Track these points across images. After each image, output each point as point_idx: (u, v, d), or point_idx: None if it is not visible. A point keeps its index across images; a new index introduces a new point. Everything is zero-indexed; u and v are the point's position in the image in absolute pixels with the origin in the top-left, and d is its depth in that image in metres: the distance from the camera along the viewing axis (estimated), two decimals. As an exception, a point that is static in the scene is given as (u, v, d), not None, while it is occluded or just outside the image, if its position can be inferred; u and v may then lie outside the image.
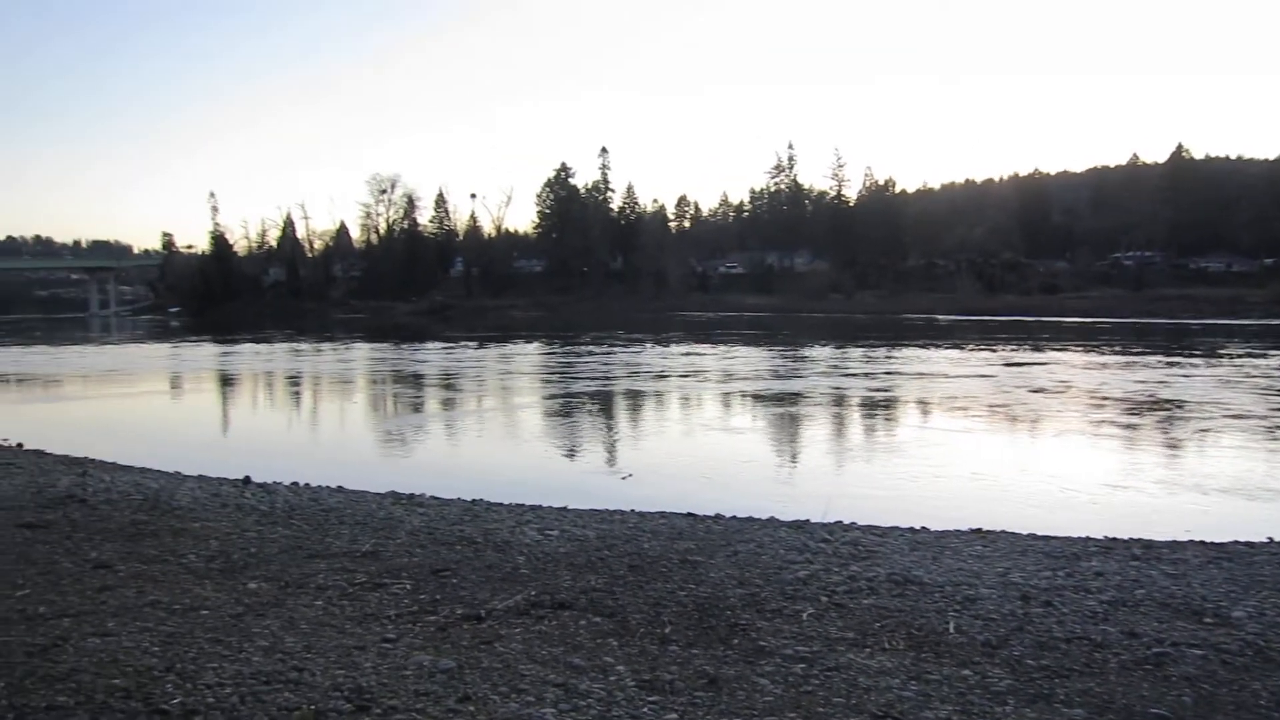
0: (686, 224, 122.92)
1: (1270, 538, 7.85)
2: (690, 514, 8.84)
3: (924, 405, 19.96)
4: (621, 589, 5.86)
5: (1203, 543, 7.59)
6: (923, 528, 8.23)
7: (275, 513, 8.38)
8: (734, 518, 8.73)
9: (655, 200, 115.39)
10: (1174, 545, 7.44)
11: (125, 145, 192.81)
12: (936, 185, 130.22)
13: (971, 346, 38.13)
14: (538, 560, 6.61)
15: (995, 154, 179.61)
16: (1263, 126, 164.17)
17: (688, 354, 36.30)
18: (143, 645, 4.62)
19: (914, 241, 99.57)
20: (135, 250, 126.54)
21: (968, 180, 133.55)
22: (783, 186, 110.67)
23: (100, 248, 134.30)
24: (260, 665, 4.39)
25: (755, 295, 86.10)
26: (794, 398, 20.69)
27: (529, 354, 37.73)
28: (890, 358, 32.24)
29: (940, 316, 64.52)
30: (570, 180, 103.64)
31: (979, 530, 8.08)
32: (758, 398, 21.15)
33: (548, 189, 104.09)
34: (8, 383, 28.76)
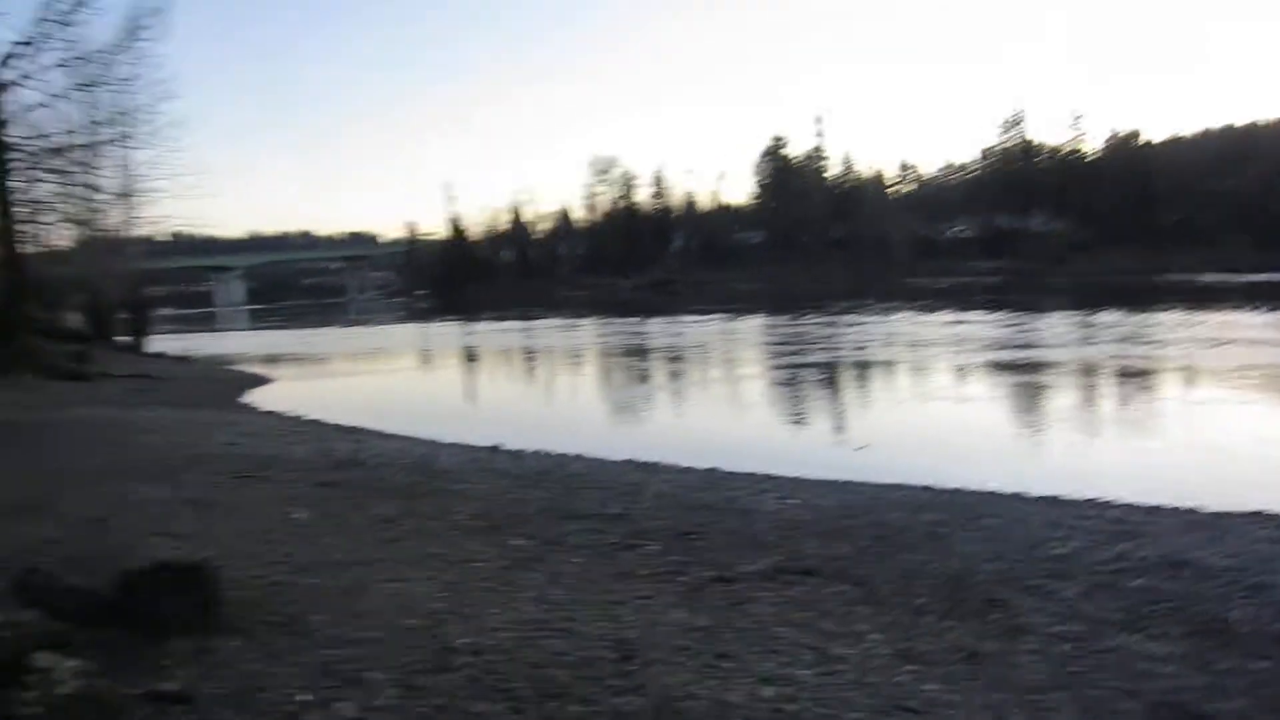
0: (907, 188, 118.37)
1: None
2: (928, 487, 8.62)
3: (1190, 375, 18.28)
4: (868, 558, 5.83)
5: None
6: (1192, 508, 7.60)
7: (526, 477, 8.93)
8: (975, 491, 8.43)
9: (873, 166, 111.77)
10: None
11: (372, 143, 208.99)
12: (1188, 133, 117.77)
13: (1242, 309, 34.41)
14: (780, 527, 6.69)
15: (1258, 96, 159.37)
16: None
17: (914, 322, 35.06)
18: (429, 591, 5.09)
19: (1167, 195, 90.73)
20: (383, 239, 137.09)
21: (1226, 126, 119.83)
22: (1012, 144, 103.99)
23: (355, 239, 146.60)
24: (531, 613, 4.73)
25: (986, 259, 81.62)
26: (1039, 366, 19.55)
27: (752, 325, 37.76)
28: (1147, 323, 29.72)
29: (1203, 277, 58.56)
30: (785, 151, 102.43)
31: (1259, 514, 7.36)
32: (998, 366, 20.15)
33: (763, 161, 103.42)
34: (288, 362, 32.12)
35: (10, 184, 23.24)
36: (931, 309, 41.44)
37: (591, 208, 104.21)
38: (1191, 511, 7.38)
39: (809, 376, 19.77)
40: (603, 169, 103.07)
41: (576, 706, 3.50)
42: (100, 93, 26.35)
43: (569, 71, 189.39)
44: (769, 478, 9.19)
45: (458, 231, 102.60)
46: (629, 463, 10.22)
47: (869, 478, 9.21)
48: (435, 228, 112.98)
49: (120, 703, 3.04)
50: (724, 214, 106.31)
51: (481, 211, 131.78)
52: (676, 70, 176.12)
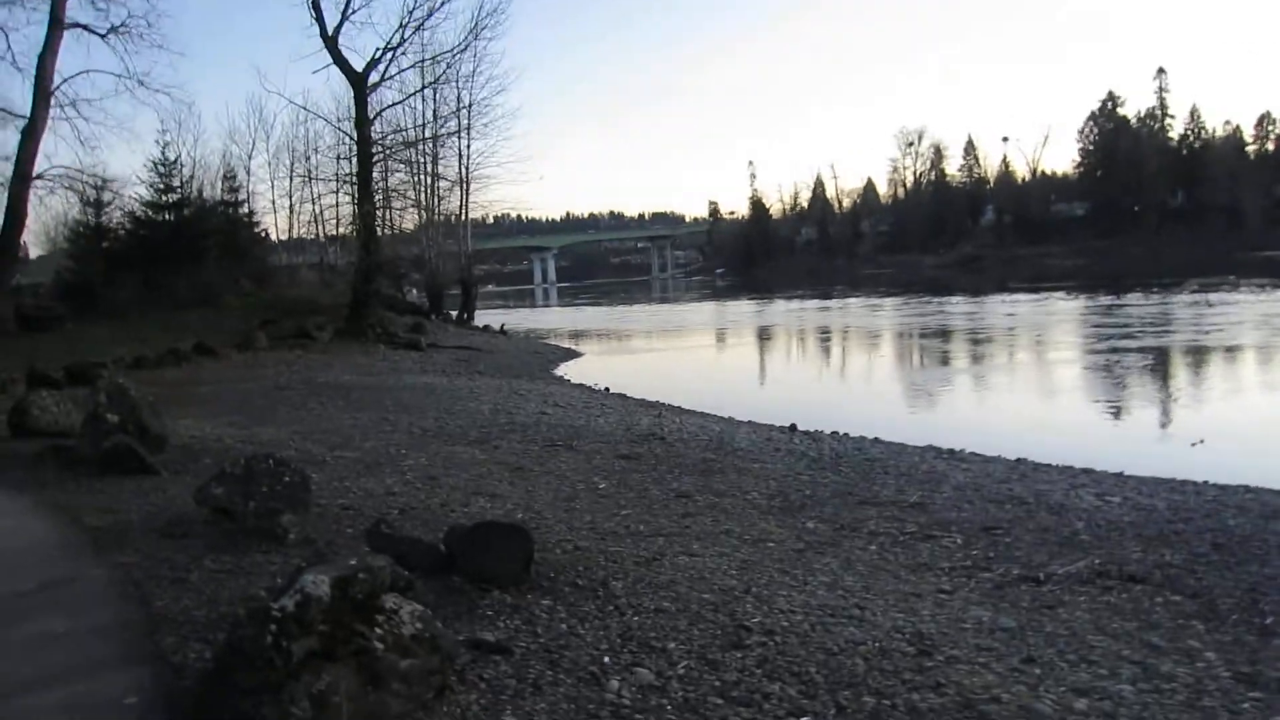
0: (1270, 147, 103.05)
1: None
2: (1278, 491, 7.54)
3: None
4: (1205, 568, 5.21)
5: None
6: None
7: (823, 459, 8.86)
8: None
9: (1228, 123, 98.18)
10: None
11: (678, 125, 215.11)
12: None
13: None
14: (1099, 527, 6.15)
15: None
16: None
17: (1264, 302, 30.65)
18: (723, 567, 5.20)
19: None
20: (687, 219, 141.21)
21: None
22: None
23: (659, 219, 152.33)
24: (824, 598, 4.69)
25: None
26: None
27: (1068, 305, 34.84)
28: None
29: None
30: (1119, 110, 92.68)
31: None
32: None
33: (1091, 123, 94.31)
34: (596, 337, 34.06)
35: (371, 175, 26.53)
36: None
37: (898, 182, 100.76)
38: None
39: (1136, 362, 17.91)
40: (910, 140, 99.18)
41: (870, 698, 3.43)
42: (446, 89, 29.42)
43: (876, 36, 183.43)
44: (1086, 472, 8.49)
45: (759, 209, 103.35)
46: (929, 449, 9.84)
47: (1207, 477, 8.23)
48: (737, 206, 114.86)
49: (450, 648, 3.39)
50: (1043, 183, 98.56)
51: (784, 189, 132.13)
52: (988, 29, 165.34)
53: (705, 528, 6.12)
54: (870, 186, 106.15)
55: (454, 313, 33.53)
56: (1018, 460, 9.12)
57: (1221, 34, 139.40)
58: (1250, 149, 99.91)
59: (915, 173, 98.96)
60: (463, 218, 33.52)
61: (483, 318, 35.54)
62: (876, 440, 10.64)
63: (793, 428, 11.31)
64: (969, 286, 50.07)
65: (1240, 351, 19.40)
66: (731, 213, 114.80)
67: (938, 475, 8.04)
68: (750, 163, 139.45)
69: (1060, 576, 5.09)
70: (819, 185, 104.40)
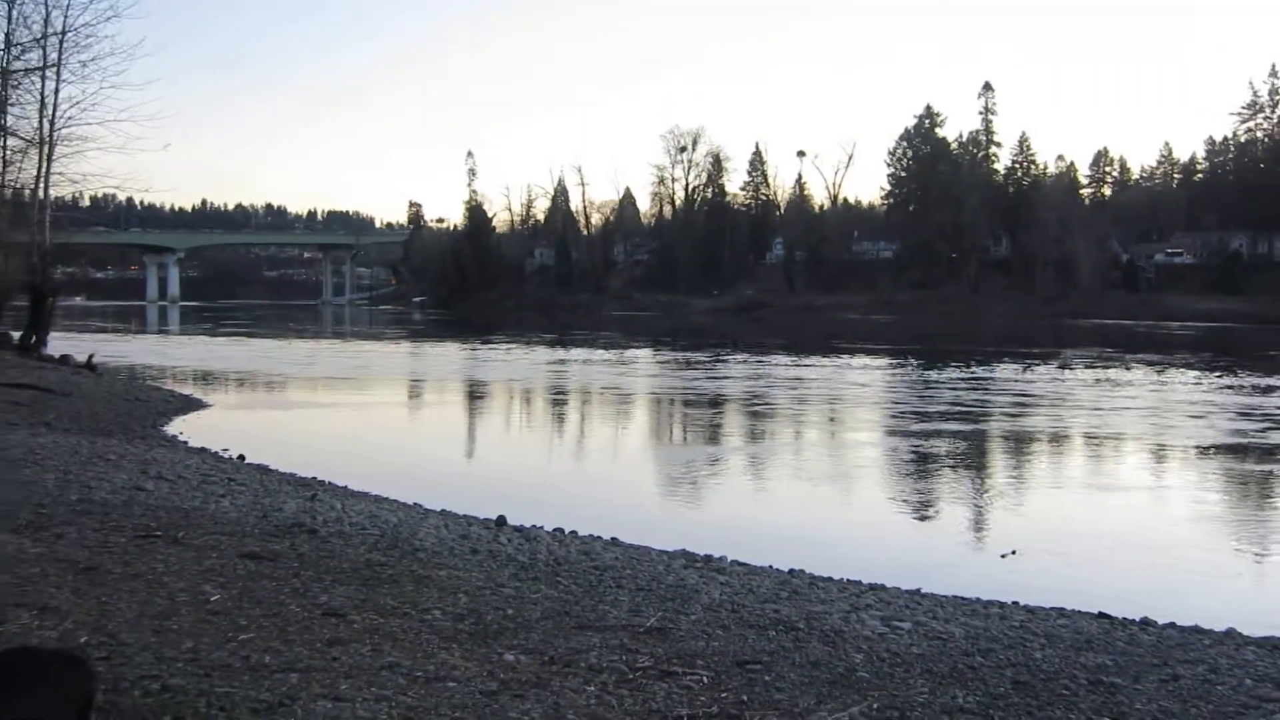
0: (1106, 191, 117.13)
1: None
2: (1103, 614, 8.44)
3: None
4: (1003, 713, 5.67)
5: None
6: None
7: (537, 566, 8.90)
8: (1172, 625, 8.23)
9: (1060, 158, 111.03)
10: None
11: (368, 98, 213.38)
12: None
13: None
14: (881, 661, 6.55)
15: None
16: None
17: (1098, 379, 34.53)
18: (378, 717, 5.06)
19: None
20: (377, 224, 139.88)
21: None
22: (1260, 134, 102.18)
23: (337, 220, 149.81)
24: (517, 762, 4.67)
25: (1211, 297, 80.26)
26: (1269, 451, 19.08)
27: (866, 372, 37.50)
28: None
29: None
30: (937, 130, 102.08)
31: None
32: (1205, 450, 19.73)
33: (904, 144, 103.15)
34: (233, 382, 32.70)
35: None
36: (1121, 362, 40.84)
37: (664, 197, 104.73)
38: None
39: (940, 452, 19.51)
40: (682, 145, 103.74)
41: None
42: (28, 4, 27.44)
43: (648, 14, 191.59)
44: (875, 589, 9.07)
45: (477, 218, 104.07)
46: (681, 555, 10.16)
47: (1017, 596, 9.04)
48: (449, 212, 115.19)
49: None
50: (845, 215, 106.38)
51: (513, 193, 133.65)
52: (792, 25, 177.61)
53: (361, 660, 5.96)
54: (629, 200, 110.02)
55: (16, 334, 31.16)
56: (791, 572, 9.59)
57: (1054, 52, 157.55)
58: (1086, 192, 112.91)
59: (687, 187, 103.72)
60: (40, 194, 31.34)
61: (62, 344, 33.25)
62: (614, 541, 10.86)
63: (500, 521, 11.32)
64: (748, 339, 52.80)
65: (1070, 442, 21.62)
66: (440, 220, 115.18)
67: (687, 590, 8.29)
68: (469, 154, 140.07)
69: (829, 727, 5.35)
70: (560, 194, 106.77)
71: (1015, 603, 8.79)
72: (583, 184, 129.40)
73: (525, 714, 5.31)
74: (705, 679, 6.08)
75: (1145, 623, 8.30)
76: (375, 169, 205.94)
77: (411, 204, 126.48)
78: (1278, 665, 6.94)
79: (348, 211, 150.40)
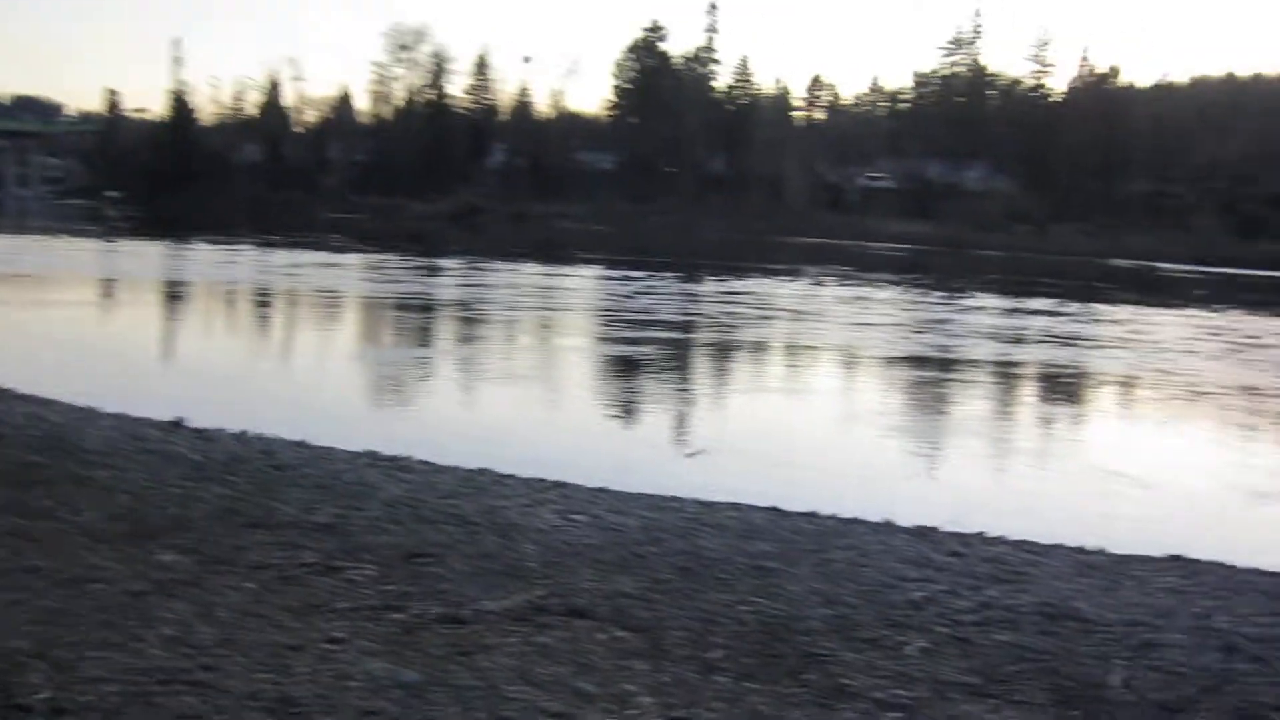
0: (819, 116, 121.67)
1: None
2: (775, 508, 8.83)
3: (1125, 389, 19.57)
4: (663, 597, 5.88)
5: None
6: (1099, 549, 8.07)
7: (210, 465, 8.60)
8: (835, 517, 8.71)
9: (778, 81, 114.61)
10: None
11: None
12: (1183, 80, 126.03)
13: (1186, 308, 37.11)
14: (553, 551, 6.68)
15: (1268, 39, 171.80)
16: None
17: (805, 293, 36.09)
18: (12, 621, 4.79)
19: (1140, 158, 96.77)
20: (69, 111, 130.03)
21: (1228, 75, 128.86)
22: (960, 70, 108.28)
23: (25, 105, 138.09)
24: (159, 660, 4.52)
25: (907, 220, 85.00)
26: (943, 365, 20.44)
27: (582, 280, 37.94)
28: (1065, 315, 31.71)
29: (1163, 265, 62.91)
30: (661, 47, 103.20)
31: (1177, 557, 7.90)
32: (891, 361, 20.97)
33: (629, 57, 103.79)
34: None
35: None
36: (822, 276, 42.80)
37: (383, 97, 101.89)
38: (1090, 552, 7.85)
39: (643, 358, 20.00)
40: (404, 43, 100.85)
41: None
42: None
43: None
44: (559, 485, 9.20)
45: (181, 109, 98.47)
46: (369, 455, 10.02)
47: (699, 493, 9.35)
48: (150, 102, 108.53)
49: None
50: (567, 125, 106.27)
51: (222, 86, 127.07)
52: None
53: (-1, 563, 5.62)
54: (347, 100, 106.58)
55: None
56: (479, 470, 9.61)
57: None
58: (800, 115, 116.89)
59: (410, 89, 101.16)
60: None
61: None
62: (301, 444, 10.59)
63: (177, 422, 10.85)
64: (464, 245, 52.36)
65: (773, 352, 22.57)
66: (140, 110, 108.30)
67: (367, 487, 8.21)
68: (176, 42, 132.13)
69: (491, 614, 5.42)
70: (274, 88, 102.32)
71: (696, 499, 9.09)
72: (298, 79, 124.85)
73: (174, 612, 5.14)
74: (372, 572, 6.04)
75: (812, 515, 8.75)
76: (69, 52, 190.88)
77: (109, 91, 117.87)
78: (919, 549, 7.49)
79: (36, 96, 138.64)
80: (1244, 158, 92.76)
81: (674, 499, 9.01)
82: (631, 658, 4.99)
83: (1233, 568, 7.75)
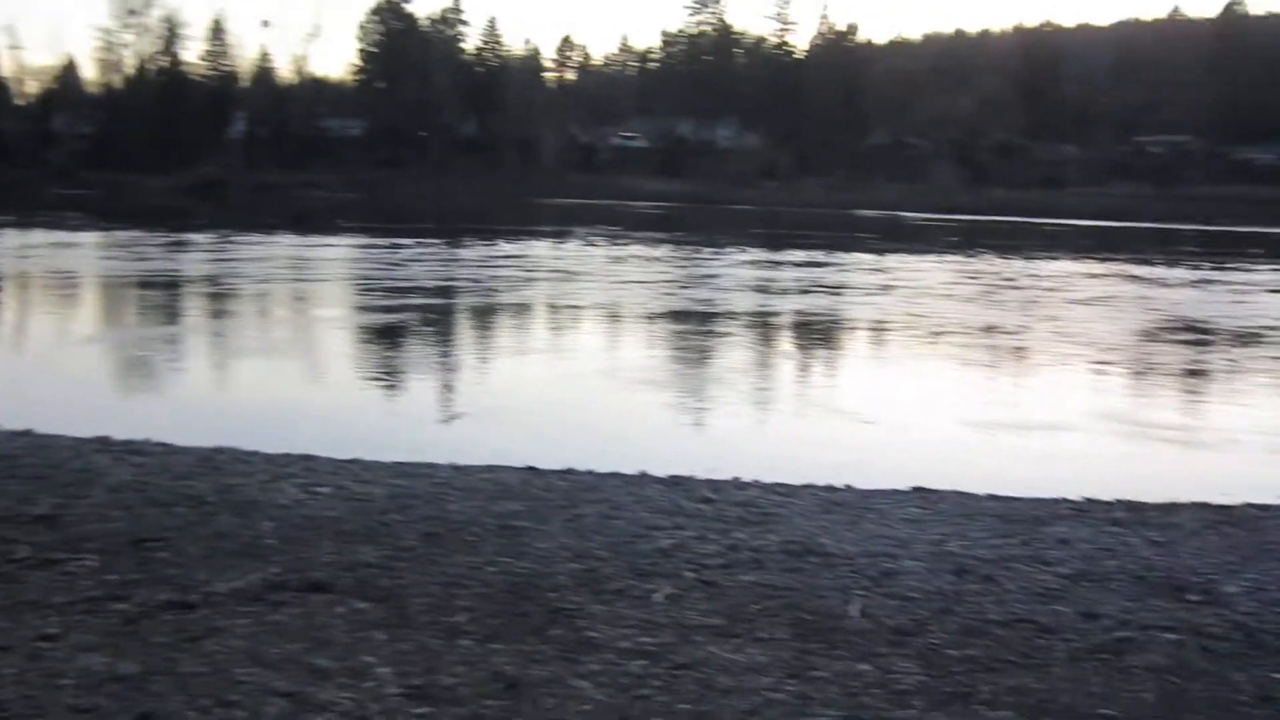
0: (570, 77, 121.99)
1: (1287, 498, 8.24)
2: (531, 467, 8.76)
3: (872, 332, 20.39)
4: (406, 564, 5.73)
5: (1204, 505, 7.89)
6: (846, 485, 8.33)
7: (-89, 460, 7.94)
8: (590, 472, 8.70)
9: (528, 42, 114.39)
10: (1167, 508, 7.70)
11: None
12: (916, 36, 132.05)
13: (942, 254, 39.06)
14: (292, 527, 6.42)
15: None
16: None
17: (557, 255, 36.18)
18: None
19: (880, 113, 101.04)
20: None
21: (957, 32, 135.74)
22: (706, 29, 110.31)
23: None
24: None
25: (660, 178, 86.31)
26: (700, 318, 20.81)
27: (336, 249, 36.98)
28: (830, 265, 32.84)
29: (908, 214, 65.85)
30: (408, 8, 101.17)
31: (920, 489, 8.22)
32: (652, 318, 21.21)
33: (375, 19, 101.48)
34: None
35: None
36: (577, 236, 43.02)
37: (112, 65, 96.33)
38: (838, 490, 8.11)
39: (399, 324, 19.65)
40: (132, 8, 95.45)
41: None
42: None
43: None
44: (305, 458, 8.87)
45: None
46: (99, 441, 9.42)
47: (454, 458, 9.18)
48: None
49: None
50: (312, 90, 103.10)
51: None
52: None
53: None
54: (72, 69, 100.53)
55: None
56: (219, 449, 9.18)
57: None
58: (550, 76, 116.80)
59: (140, 56, 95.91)
60: None
61: None
62: (25, 433, 9.89)
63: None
64: (209, 220, 50.22)
65: (539, 313, 22.50)
66: None
67: (93, 473, 7.72)
68: None
69: (222, 596, 5.16)
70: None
71: (451, 464, 8.91)
72: (15, 47, 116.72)
73: None
74: (94, 563, 5.67)
75: (568, 471, 8.71)
76: None
77: None
78: (672, 498, 7.55)
79: None
80: (974, 110, 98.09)
81: (427, 465, 8.80)
82: (371, 629, 4.83)
83: (969, 495, 8.12)
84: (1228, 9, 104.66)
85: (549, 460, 9.12)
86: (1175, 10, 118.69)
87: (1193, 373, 16.35)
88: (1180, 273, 32.73)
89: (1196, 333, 19.82)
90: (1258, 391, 15.21)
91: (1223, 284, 29.61)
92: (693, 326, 19.82)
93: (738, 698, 4.16)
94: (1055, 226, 58.11)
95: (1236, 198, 75.00)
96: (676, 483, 8.23)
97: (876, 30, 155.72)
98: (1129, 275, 31.49)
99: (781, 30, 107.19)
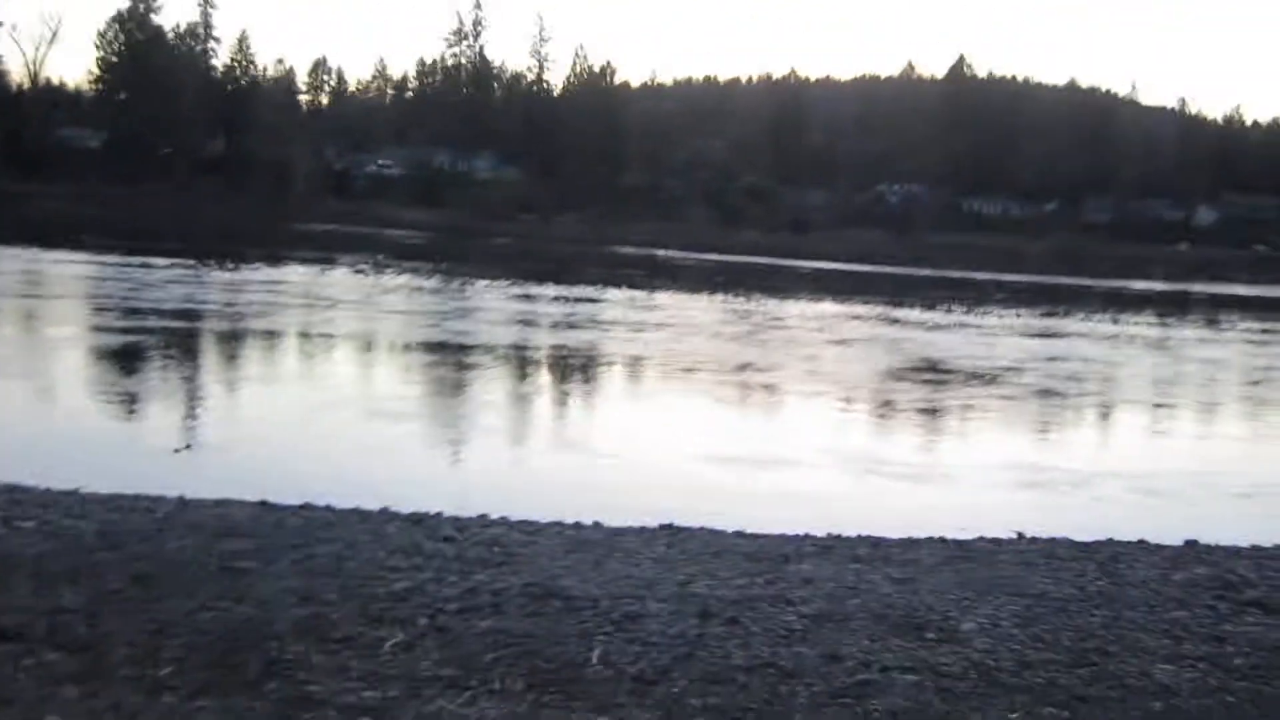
0: (324, 100, 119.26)
1: (1019, 533, 8.51)
2: (264, 502, 8.23)
3: (632, 368, 20.41)
4: (111, 610, 5.19)
5: (942, 540, 8.07)
6: (595, 523, 8.16)
7: None
8: (329, 508, 8.25)
9: (280, 62, 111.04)
10: (907, 543, 7.83)
11: None
12: (668, 80, 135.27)
13: (711, 293, 39.78)
14: (-14, 569, 5.76)
15: (745, 48, 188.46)
16: (1054, 44, 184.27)
17: (308, 281, 35.06)
18: None
19: (637, 152, 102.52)
20: None
21: (708, 78, 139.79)
22: (464, 61, 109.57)
23: None
24: None
25: (415, 207, 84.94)
26: (460, 350, 20.45)
27: (73, 266, 34.77)
28: (586, 300, 32.95)
29: (662, 252, 66.92)
30: (153, 17, 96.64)
31: (669, 526, 8.12)
32: (409, 349, 20.76)
33: (116, 27, 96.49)
34: None
35: None
36: (326, 263, 41.95)
37: None
38: (585, 528, 7.92)
39: (133, 350, 18.51)
40: None
41: None
42: None
43: None
44: (10, 489, 8.08)
45: None
46: None
47: (187, 489, 8.55)
48: None
49: None
50: (47, 96, 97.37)
51: None
52: None
53: None
54: None
55: None
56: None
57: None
58: (304, 99, 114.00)
59: None
60: None
61: None
62: None
63: None
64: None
65: (288, 339, 21.62)
66: None
67: None
68: None
69: (-114, 649, 4.53)
70: None
71: (180, 496, 8.28)
72: None
73: None
74: None
75: (305, 507, 8.24)
76: None
77: None
78: (413, 536, 7.19)
79: None
80: (726, 155, 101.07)
81: (150, 498, 8.15)
82: (62, 683, 4.31)
83: (718, 532, 8.06)
84: (954, 69, 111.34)
85: (286, 495, 8.62)
86: (909, 66, 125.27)
87: (935, 411, 16.97)
88: (936, 316, 34.07)
89: (942, 372, 20.62)
90: (993, 429, 15.89)
91: (975, 327, 31.06)
92: (452, 359, 19.44)
93: (466, 758, 3.85)
94: (812, 270, 60.06)
95: (967, 245, 79.53)
96: (418, 520, 7.86)
97: (630, 72, 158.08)
98: (888, 318, 32.59)
99: (538, 65, 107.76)
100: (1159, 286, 61.91)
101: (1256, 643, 5.57)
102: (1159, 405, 19.51)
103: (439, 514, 8.22)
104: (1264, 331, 36.20)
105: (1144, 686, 4.86)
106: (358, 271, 39.94)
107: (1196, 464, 13.57)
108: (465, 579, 6.07)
